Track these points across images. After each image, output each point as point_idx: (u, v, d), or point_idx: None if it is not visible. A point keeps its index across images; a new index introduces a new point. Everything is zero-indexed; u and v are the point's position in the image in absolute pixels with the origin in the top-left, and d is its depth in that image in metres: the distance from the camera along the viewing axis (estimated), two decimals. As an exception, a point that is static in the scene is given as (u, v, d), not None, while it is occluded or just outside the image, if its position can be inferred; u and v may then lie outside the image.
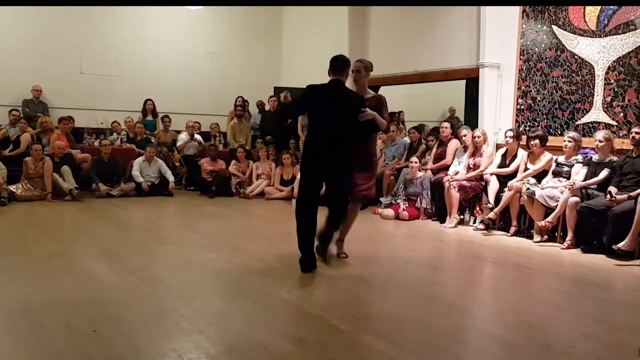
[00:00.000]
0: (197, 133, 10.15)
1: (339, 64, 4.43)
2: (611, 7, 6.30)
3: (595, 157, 5.84)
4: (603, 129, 6.24)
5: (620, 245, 5.00)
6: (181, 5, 10.93)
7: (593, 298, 4.05)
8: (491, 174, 6.60)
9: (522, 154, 6.54)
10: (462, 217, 6.97)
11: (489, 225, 6.48)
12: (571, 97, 6.75)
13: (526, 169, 6.36)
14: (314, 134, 4.48)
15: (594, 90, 6.51)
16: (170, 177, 8.97)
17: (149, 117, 10.42)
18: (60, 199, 7.85)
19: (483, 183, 6.74)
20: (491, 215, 6.30)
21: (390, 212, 7.21)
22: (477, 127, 7.28)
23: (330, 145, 4.36)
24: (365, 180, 4.69)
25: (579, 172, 5.86)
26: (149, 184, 8.71)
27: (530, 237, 6.04)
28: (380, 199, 7.55)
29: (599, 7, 6.43)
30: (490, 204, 6.40)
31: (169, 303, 3.57)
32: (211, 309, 3.57)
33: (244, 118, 10.32)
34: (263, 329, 3.22)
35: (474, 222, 6.74)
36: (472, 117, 7.96)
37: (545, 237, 5.91)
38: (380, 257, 4.79)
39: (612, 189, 5.34)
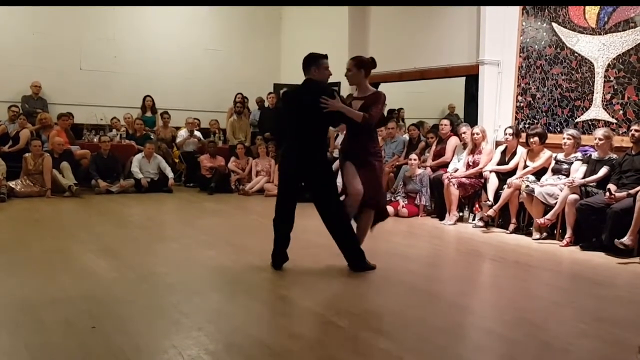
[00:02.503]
0: (196, 129, 10.15)
1: (303, 63, 4.39)
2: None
3: (595, 155, 5.84)
4: (602, 126, 6.23)
5: (623, 239, 4.98)
6: (181, 5, 10.91)
7: (592, 295, 4.05)
8: (490, 171, 6.60)
9: (521, 151, 6.55)
10: (461, 214, 6.97)
11: (488, 223, 6.48)
12: (571, 95, 6.75)
13: (525, 166, 6.36)
14: (290, 139, 4.40)
15: (593, 88, 6.50)
16: (170, 174, 8.98)
17: (149, 114, 10.43)
18: (60, 195, 7.86)
19: (482, 180, 6.74)
20: (490, 212, 6.30)
21: (389, 209, 7.19)
22: (476, 124, 7.28)
23: (304, 146, 4.30)
24: (365, 186, 4.39)
25: (578, 170, 5.86)
26: (148, 181, 8.72)
27: (530, 234, 6.05)
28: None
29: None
30: (489, 201, 6.39)
31: (169, 300, 3.57)
32: (210, 306, 3.57)
33: (243, 115, 10.32)
34: (262, 325, 3.22)
35: (473, 220, 6.74)
36: (471, 114, 7.96)
37: (545, 234, 5.91)
38: (379, 253, 4.78)
39: (612, 186, 5.35)
